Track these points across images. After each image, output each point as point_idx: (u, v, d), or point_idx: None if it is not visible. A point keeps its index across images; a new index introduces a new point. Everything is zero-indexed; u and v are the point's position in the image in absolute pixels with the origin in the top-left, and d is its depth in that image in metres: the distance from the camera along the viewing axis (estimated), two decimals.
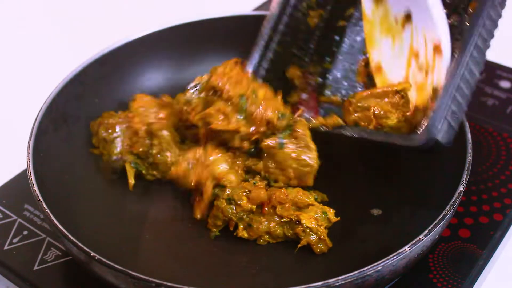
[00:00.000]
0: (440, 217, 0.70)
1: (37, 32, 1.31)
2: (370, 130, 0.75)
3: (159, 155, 0.86)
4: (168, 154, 0.86)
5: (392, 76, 0.84)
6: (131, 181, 0.86)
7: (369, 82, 0.87)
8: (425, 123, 0.71)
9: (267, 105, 0.81)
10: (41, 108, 0.84)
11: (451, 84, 0.70)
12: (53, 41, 1.29)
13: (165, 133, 0.86)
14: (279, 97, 0.84)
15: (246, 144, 0.81)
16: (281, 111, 0.81)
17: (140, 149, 0.85)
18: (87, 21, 1.34)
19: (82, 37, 1.28)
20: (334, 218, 0.78)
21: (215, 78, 0.81)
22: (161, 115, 0.87)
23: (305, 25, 0.89)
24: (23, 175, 0.90)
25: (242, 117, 0.81)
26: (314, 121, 0.83)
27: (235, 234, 0.80)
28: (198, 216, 0.81)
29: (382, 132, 0.76)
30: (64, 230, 0.69)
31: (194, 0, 1.39)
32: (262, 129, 0.81)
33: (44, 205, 0.72)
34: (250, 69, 0.88)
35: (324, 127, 0.77)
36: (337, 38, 0.89)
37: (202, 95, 0.82)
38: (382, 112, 0.77)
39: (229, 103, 0.81)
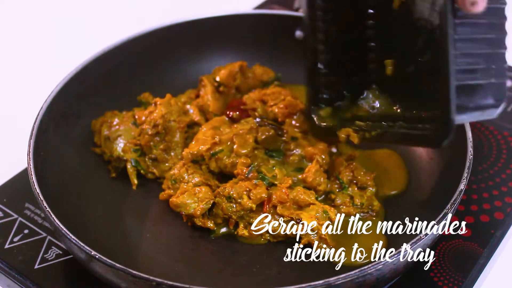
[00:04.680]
0: (441, 215, 0.70)
1: (37, 31, 1.31)
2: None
3: (164, 153, 0.87)
4: (172, 154, 0.88)
5: None
6: (135, 181, 0.87)
7: None
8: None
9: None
10: (41, 107, 0.84)
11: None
12: (53, 40, 1.29)
13: (178, 134, 0.88)
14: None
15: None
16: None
17: (148, 143, 0.86)
18: (87, 21, 1.34)
19: (83, 36, 1.28)
20: (335, 217, 0.78)
21: None
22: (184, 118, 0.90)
23: None
24: (24, 174, 0.90)
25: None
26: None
27: (235, 232, 0.80)
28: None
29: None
30: (65, 229, 0.69)
31: None
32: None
33: (45, 204, 0.72)
34: None
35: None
36: None
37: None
38: None
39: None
